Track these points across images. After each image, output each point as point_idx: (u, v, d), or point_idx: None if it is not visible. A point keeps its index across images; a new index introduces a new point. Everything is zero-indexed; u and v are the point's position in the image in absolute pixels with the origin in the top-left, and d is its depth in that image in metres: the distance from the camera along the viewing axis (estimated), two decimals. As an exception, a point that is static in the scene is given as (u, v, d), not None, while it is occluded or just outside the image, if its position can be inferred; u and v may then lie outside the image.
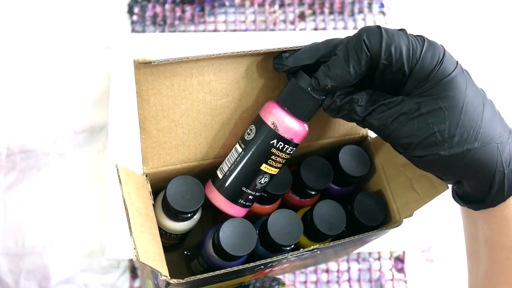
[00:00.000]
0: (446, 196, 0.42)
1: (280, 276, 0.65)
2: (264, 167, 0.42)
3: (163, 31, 0.74)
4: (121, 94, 0.69)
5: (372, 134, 0.50)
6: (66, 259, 0.66)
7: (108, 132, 0.69)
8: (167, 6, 0.75)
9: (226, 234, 0.43)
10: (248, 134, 0.42)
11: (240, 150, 0.42)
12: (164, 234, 0.46)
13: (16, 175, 0.68)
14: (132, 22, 0.75)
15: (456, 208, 0.42)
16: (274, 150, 0.41)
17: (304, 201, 0.50)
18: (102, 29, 0.74)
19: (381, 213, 0.47)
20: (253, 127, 0.42)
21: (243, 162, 0.42)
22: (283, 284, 0.48)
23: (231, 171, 0.43)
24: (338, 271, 0.68)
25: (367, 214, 0.47)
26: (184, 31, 0.75)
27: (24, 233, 0.66)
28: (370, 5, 0.77)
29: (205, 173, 0.46)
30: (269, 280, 0.48)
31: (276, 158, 0.42)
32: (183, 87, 0.41)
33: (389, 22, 0.77)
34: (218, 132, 0.44)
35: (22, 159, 0.68)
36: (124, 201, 0.37)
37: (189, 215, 0.45)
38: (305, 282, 0.68)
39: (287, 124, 0.40)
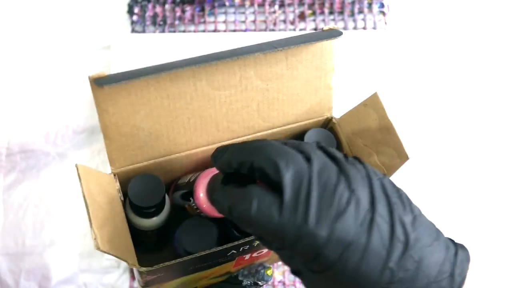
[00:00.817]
0: (447, 196, 0.42)
1: (280, 275, 0.65)
2: (187, 205, 0.46)
3: (163, 31, 0.74)
4: (121, 94, 0.69)
5: (336, 115, 0.51)
6: (66, 259, 0.66)
7: (108, 132, 0.69)
8: (167, 6, 0.75)
9: (186, 233, 0.46)
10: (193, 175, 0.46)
11: (190, 176, 0.47)
12: (140, 232, 0.48)
13: (16, 175, 0.68)
14: (132, 22, 0.75)
15: (456, 208, 0.42)
16: (188, 206, 0.46)
17: None
18: (102, 29, 0.74)
19: None
20: (195, 174, 0.46)
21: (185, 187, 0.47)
22: (269, 267, 0.49)
23: (183, 186, 0.47)
24: (338, 271, 0.68)
25: None
26: (184, 31, 0.75)
27: (24, 233, 0.66)
28: (370, 5, 0.77)
29: (171, 167, 0.48)
30: (255, 266, 0.49)
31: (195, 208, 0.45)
32: (140, 96, 0.42)
33: (389, 22, 0.77)
34: (180, 131, 0.46)
35: (22, 159, 0.68)
36: (84, 197, 0.39)
37: (153, 210, 0.46)
38: (305, 282, 0.68)
39: (204, 209, 0.44)
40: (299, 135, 0.50)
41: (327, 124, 0.52)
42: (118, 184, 0.45)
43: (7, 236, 0.66)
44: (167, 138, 0.45)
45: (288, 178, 0.32)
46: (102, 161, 0.69)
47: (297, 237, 0.31)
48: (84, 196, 0.39)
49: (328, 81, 0.48)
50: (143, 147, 0.45)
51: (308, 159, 0.33)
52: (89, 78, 0.39)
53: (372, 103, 0.47)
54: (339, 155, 0.35)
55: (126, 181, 0.46)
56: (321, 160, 0.33)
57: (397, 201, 0.33)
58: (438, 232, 0.33)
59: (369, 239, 0.31)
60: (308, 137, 0.49)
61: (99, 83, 0.39)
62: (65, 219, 0.67)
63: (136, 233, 0.47)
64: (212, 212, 0.43)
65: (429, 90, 0.75)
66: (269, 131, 0.49)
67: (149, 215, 0.47)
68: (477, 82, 0.76)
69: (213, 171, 0.44)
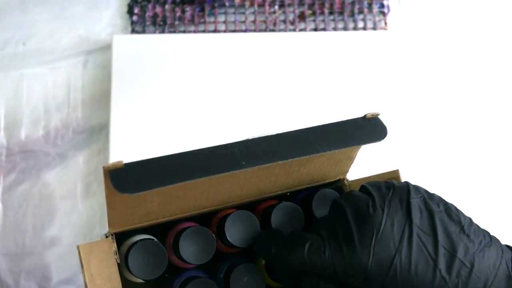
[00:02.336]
0: (452, 197, 0.42)
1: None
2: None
3: (163, 31, 0.75)
4: (121, 94, 0.69)
5: (350, 177, 0.49)
6: (66, 259, 0.66)
7: (108, 132, 0.69)
8: (167, 7, 0.75)
9: None
10: None
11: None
12: (134, 284, 0.46)
13: (16, 175, 0.68)
14: (132, 22, 0.75)
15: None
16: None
17: (232, 249, 0.48)
18: (102, 29, 0.74)
19: None
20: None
21: None
22: None
23: None
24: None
25: None
26: (184, 31, 0.75)
27: (24, 233, 0.66)
28: (370, 5, 0.77)
29: (169, 226, 0.46)
30: None
31: None
32: None
33: (389, 22, 0.77)
34: (190, 201, 0.43)
35: (22, 159, 0.68)
36: (85, 285, 0.38)
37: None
38: (305, 282, 0.68)
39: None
40: (307, 194, 0.48)
41: (340, 186, 0.50)
42: (115, 245, 0.42)
43: (7, 236, 0.66)
44: (175, 206, 0.43)
45: (322, 227, 0.38)
46: (102, 161, 0.69)
47: (345, 266, 0.34)
48: (86, 285, 0.38)
49: (353, 154, 0.45)
50: (148, 214, 0.43)
51: (341, 210, 0.38)
52: (104, 168, 0.35)
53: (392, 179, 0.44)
54: (379, 190, 0.37)
55: (122, 236, 0.44)
56: (353, 201, 0.37)
57: (442, 214, 0.35)
58: (491, 238, 0.36)
59: (411, 251, 0.33)
60: (317, 199, 0.46)
61: (116, 184, 0.35)
62: (65, 219, 0.67)
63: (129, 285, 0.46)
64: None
65: (429, 90, 0.75)
66: (278, 193, 0.47)
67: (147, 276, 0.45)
68: (477, 83, 0.76)
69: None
